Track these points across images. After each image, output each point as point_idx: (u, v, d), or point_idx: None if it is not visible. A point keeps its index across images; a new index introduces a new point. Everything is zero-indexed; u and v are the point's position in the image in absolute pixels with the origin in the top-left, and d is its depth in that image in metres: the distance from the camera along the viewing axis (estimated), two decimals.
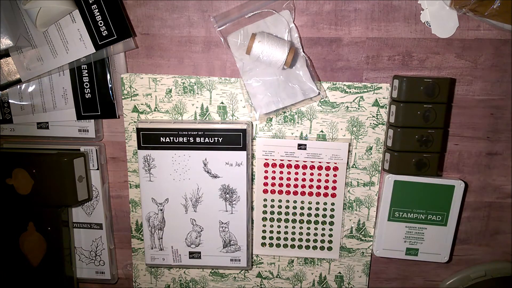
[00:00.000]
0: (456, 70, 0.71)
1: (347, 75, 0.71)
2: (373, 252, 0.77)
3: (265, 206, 0.76)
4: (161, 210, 0.74)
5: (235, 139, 0.70)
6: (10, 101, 0.73)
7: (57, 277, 0.76)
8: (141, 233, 0.79)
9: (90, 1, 0.67)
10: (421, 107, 0.68)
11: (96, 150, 0.75)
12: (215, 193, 0.73)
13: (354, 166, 0.74)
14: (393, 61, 0.70)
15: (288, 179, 0.74)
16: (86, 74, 0.71)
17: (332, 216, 0.76)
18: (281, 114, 0.73)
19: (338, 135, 0.73)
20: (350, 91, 0.71)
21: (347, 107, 0.72)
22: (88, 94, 0.72)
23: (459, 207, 0.73)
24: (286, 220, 0.76)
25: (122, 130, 0.75)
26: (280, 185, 0.75)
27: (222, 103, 0.73)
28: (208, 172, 0.72)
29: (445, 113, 0.68)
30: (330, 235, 0.77)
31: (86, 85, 0.72)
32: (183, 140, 0.71)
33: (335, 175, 0.74)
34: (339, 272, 0.79)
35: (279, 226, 0.77)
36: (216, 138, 0.70)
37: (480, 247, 0.79)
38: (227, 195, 0.73)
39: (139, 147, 0.71)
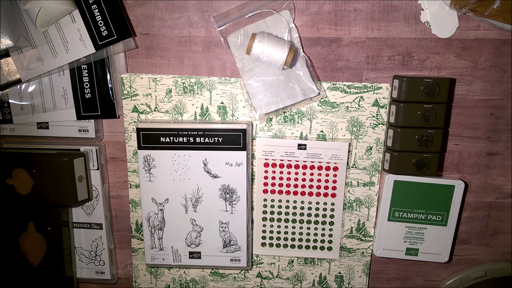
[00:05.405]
0: (456, 70, 0.71)
1: (347, 75, 0.71)
2: (373, 252, 0.77)
3: (265, 206, 0.76)
4: (161, 210, 0.74)
5: (235, 139, 0.70)
6: (10, 101, 0.73)
7: (57, 277, 0.76)
8: (141, 233, 0.79)
9: (90, 1, 0.67)
10: (421, 107, 0.68)
11: (96, 150, 0.75)
12: (215, 193, 0.73)
13: (354, 166, 0.74)
14: (393, 61, 0.70)
15: (288, 179, 0.74)
16: (86, 74, 0.71)
17: (332, 216, 0.76)
18: (281, 114, 0.73)
19: (338, 135, 0.73)
20: (350, 91, 0.71)
21: (347, 107, 0.72)
22: (88, 94, 0.72)
23: (459, 207, 0.73)
24: (286, 220, 0.76)
25: (122, 130, 0.75)
26: (280, 185, 0.75)
27: (222, 103, 0.73)
28: (208, 172, 0.72)
29: (445, 113, 0.68)
30: (330, 235, 0.77)
31: (86, 85, 0.72)
32: (183, 140, 0.71)
33: (335, 175, 0.74)
34: (339, 272, 0.79)
35: (279, 226, 0.77)
36: (216, 138, 0.70)
37: (480, 247, 0.79)
38: (227, 195, 0.73)
39: (139, 147, 0.71)
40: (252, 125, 0.73)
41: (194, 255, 0.76)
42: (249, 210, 0.74)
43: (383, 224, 0.74)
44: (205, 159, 0.72)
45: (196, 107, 0.73)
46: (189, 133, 0.70)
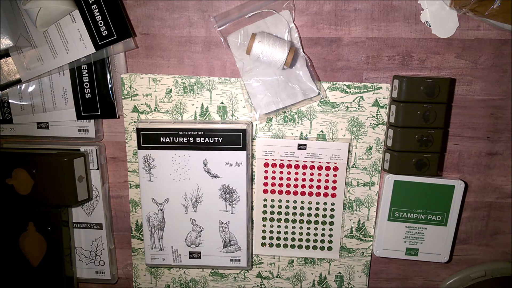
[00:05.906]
0: (456, 70, 0.71)
1: (347, 75, 0.71)
2: (373, 252, 0.77)
3: (265, 206, 0.76)
4: (161, 210, 0.74)
5: (235, 139, 0.70)
6: (10, 101, 0.73)
7: (57, 277, 0.76)
8: (141, 233, 0.79)
9: (90, 1, 0.67)
10: (421, 107, 0.68)
11: (96, 150, 0.75)
12: (215, 193, 0.73)
13: (354, 166, 0.74)
14: (393, 61, 0.70)
15: (288, 179, 0.74)
16: (86, 74, 0.71)
17: (332, 216, 0.76)
18: (281, 114, 0.73)
19: (338, 135, 0.73)
20: (350, 91, 0.71)
21: (347, 107, 0.72)
22: (88, 94, 0.72)
23: (459, 207, 0.73)
24: (286, 220, 0.76)
25: (122, 130, 0.75)
26: (280, 185, 0.75)
27: (222, 103, 0.73)
28: (208, 172, 0.72)
29: (445, 113, 0.68)
30: (330, 235, 0.77)
31: (86, 85, 0.72)
32: (183, 140, 0.71)
33: (335, 175, 0.74)
34: (339, 272, 0.79)
35: (279, 226, 0.77)
36: (216, 138, 0.70)
37: (480, 247, 0.79)
38: (227, 195, 0.73)
39: (139, 147, 0.71)
40: (252, 125, 0.73)
41: (194, 255, 0.76)
42: (249, 210, 0.74)
43: (383, 224, 0.74)
44: (205, 159, 0.72)
45: (196, 107, 0.73)
46: (189, 133, 0.70)
